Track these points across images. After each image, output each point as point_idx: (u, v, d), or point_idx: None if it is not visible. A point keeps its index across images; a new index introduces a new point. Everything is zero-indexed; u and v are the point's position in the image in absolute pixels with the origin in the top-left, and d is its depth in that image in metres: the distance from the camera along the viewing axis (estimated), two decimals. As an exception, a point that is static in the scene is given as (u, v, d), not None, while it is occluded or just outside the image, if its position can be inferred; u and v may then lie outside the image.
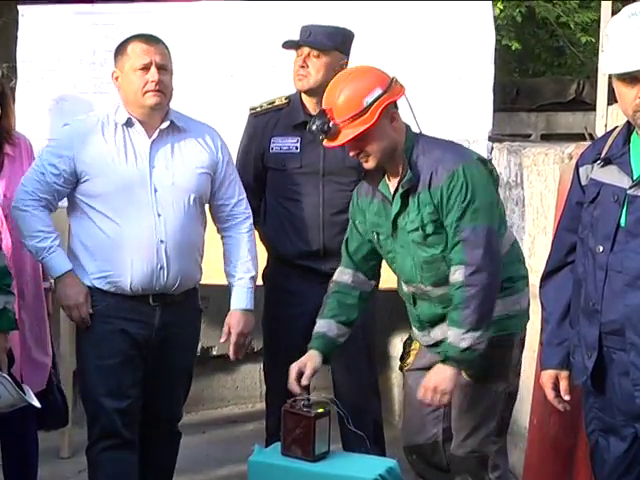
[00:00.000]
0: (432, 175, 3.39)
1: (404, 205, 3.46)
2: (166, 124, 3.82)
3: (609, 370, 3.00)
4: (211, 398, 6.17)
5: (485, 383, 3.55)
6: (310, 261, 4.23)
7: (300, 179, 4.21)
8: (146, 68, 3.72)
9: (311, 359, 3.60)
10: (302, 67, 4.12)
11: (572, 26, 7.87)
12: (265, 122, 4.29)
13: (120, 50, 3.83)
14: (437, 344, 3.58)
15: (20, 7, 5.30)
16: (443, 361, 3.39)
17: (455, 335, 3.35)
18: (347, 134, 3.37)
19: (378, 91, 3.37)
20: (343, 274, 3.71)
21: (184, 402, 4.16)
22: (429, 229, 3.42)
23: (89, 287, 3.81)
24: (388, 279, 4.57)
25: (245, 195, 4.06)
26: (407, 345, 3.80)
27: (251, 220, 4.07)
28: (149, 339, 3.86)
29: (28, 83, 5.20)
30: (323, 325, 3.65)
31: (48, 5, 5.64)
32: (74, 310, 3.81)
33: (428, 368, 3.65)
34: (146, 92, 3.73)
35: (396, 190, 3.47)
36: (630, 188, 2.90)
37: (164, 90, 3.76)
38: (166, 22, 5.21)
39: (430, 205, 3.40)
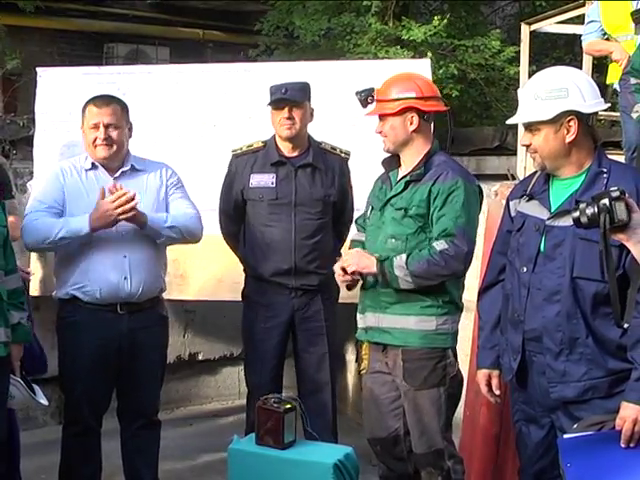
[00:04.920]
0: (440, 175, 3.49)
1: (403, 190, 3.53)
2: (127, 167, 3.90)
3: (530, 370, 3.01)
4: (197, 396, 6.10)
5: (426, 389, 3.49)
6: (282, 278, 4.19)
7: (276, 209, 4.18)
8: (96, 127, 3.82)
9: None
10: (289, 119, 4.11)
11: (499, 71, 8.05)
12: (245, 161, 4.26)
13: (82, 111, 3.92)
14: (367, 330, 3.60)
15: (38, 69, 5.29)
16: (378, 260, 3.48)
17: (400, 260, 3.43)
18: (374, 110, 3.56)
19: (411, 94, 3.52)
20: (361, 236, 3.77)
21: (159, 395, 4.12)
22: (410, 212, 3.48)
23: (67, 299, 3.83)
24: (349, 295, 4.58)
25: (195, 213, 4.00)
26: (359, 348, 3.76)
27: (198, 218, 3.99)
28: (119, 343, 3.85)
29: (44, 132, 5.17)
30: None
31: (62, 67, 5.64)
32: (113, 220, 3.71)
33: (382, 372, 3.61)
34: (96, 146, 3.84)
35: (404, 177, 3.56)
36: (548, 219, 2.94)
37: (111, 143, 3.83)
38: (161, 81, 5.21)
39: (425, 196, 3.47)
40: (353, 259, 3.54)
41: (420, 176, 3.51)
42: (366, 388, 3.74)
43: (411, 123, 3.53)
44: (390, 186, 3.61)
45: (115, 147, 3.85)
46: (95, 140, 3.82)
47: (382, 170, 3.66)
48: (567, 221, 2.86)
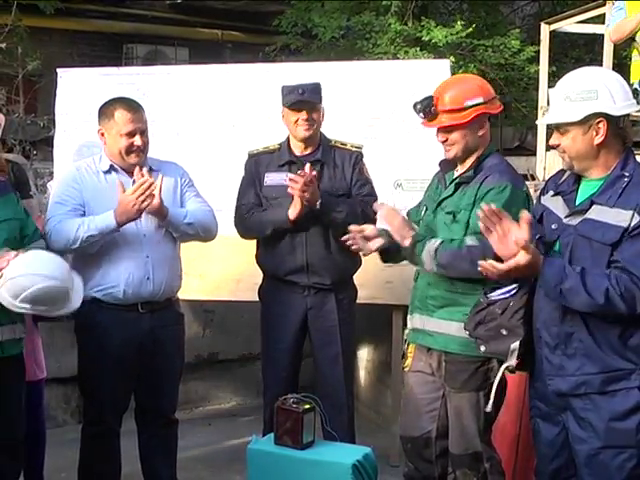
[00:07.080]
0: (489, 176, 3.41)
1: (453, 193, 3.48)
2: (146, 169, 3.84)
3: (538, 363, 3.03)
4: (216, 395, 6.13)
5: (465, 392, 3.45)
6: (296, 276, 4.21)
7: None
8: (131, 134, 3.79)
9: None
10: (308, 120, 4.13)
11: (519, 67, 8.02)
12: (260, 161, 4.30)
13: (106, 113, 3.86)
14: (413, 332, 3.58)
15: (59, 70, 5.31)
16: (415, 238, 3.42)
17: (431, 246, 3.37)
18: (442, 121, 3.43)
19: (479, 99, 3.42)
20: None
21: (177, 393, 4.12)
22: (458, 217, 3.42)
23: (89, 301, 3.76)
24: (367, 296, 4.59)
25: (211, 210, 4.02)
26: (406, 345, 3.70)
27: (214, 215, 4.02)
28: (141, 342, 3.85)
29: (64, 132, 5.20)
30: None
31: (81, 68, 5.66)
32: (137, 210, 3.70)
33: (425, 372, 3.59)
34: (130, 152, 3.82)
35: (455, 179, 3.50)
36: (565, 218, 2.94)
37: (144, 149, 3.85)
38: (180, 82, 5.23)
39: (472, 199, 3.39)
40: (391, 220, 3.47)
41: (469, 178, 3.45)
42: (407, 386, 3.71)
43: (481, 128, 3.47)
44: (445, 187, 3.56)
45: (146, 152, 3.88)
46: (130, 147, 3.80)
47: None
48: (576, 220, 2.88)
